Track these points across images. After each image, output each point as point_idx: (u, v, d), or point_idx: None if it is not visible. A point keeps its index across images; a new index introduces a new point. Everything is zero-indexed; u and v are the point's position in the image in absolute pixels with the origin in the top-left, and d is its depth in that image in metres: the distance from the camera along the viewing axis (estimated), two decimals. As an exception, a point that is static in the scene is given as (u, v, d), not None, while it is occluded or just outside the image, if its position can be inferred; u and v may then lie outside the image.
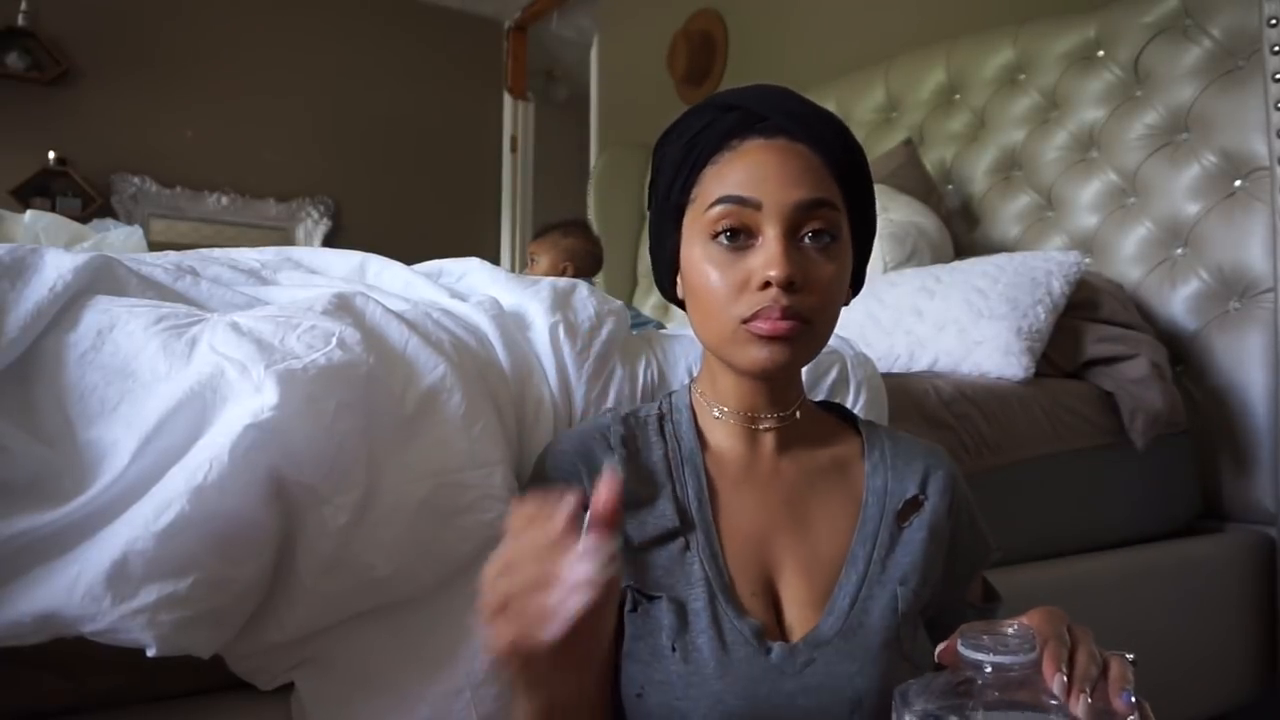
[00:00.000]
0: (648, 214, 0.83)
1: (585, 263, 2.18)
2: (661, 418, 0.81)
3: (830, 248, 0.72)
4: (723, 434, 0.80)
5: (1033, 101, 2.11)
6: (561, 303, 0.91)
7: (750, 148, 0.73)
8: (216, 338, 0.66)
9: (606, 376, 0.89)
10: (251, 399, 0.61)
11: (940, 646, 0.55)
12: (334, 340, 0.68)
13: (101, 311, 0.67)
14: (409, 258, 1.08)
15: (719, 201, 0.71)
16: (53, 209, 3.85)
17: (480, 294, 0.94)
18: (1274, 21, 1.53)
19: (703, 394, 0.82)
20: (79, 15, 4.22)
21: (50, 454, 0.60)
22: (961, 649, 0.51)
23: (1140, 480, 1.57)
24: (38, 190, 4.11)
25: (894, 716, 0.51)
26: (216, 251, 1.00)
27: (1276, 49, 1.53)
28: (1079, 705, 0.50)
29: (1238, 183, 1.69)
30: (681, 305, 0.81)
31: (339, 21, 4.84)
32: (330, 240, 4.79)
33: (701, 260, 0.73)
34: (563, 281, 0.96)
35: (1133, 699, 0.51)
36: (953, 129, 2.29)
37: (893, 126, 2.47)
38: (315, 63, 4.77)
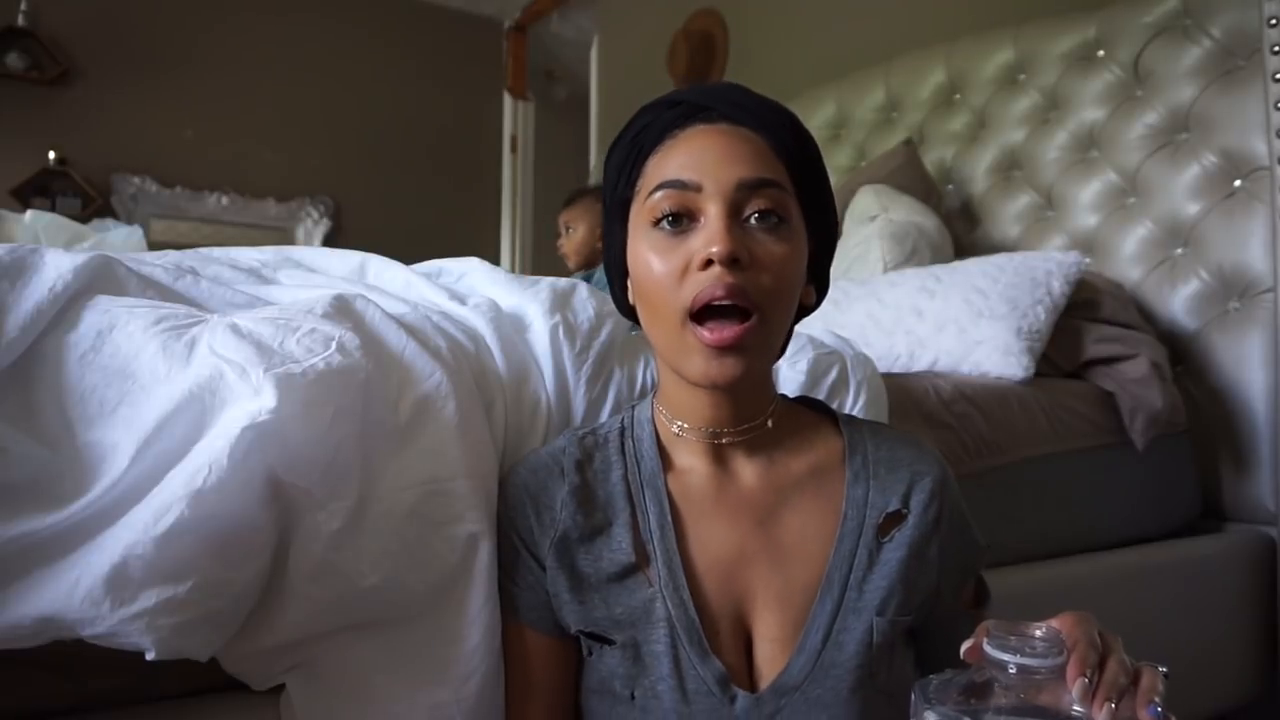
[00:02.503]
0: (602, 224, 0.79)
1: None
2: (623, 433, 0.76)
3: (779, 229, 0.67)
4: (685, 451, 0.74)
5: (1033, 101, 2.11)
6: (561, 304, 0.91)
7: (692, 133, 0.69)
8: (216, 339, 0.66)
9: (606, 378, 0.89)
10: (250, 401, 0.61)
11: (966, 645, 0.52)
12: (333, 344, 0.68)
13: (101, 312, 0.67)
14: (409, 258, 1.08)
15: (658, 188, 0.68)
16: (53, 209, 3.85)
17: (479, 295, 0.94)
18: (1274, 21, 1.53)
19: (662, 408, 0.75)
20: (79, 15, 4.22)
21: (50, 456, 0.60)
22: (987, 648, 0.50)
23: (1140, 480, 1.57)
24: (38, 190, 4.11)
25: (912, 712, 0.51)
26: (216, 251, 1.00)
27: (1276, 49, 1.53)
28: (1102, 714, 0.48)
29: (1238, 183, 1.69)
30: (635, 319, 0.76)
31: (339, 21, 4.84)
32: (330, 240, 4.79)
33: (643, 248, 0.69)
34: (562, 282, 0.96)
35: (1159, 710, 0.49)
36: (953, 129, 2.29)
37: (893, 126, 2.47)
38: (315, 63, 4.77)
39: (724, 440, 0.72)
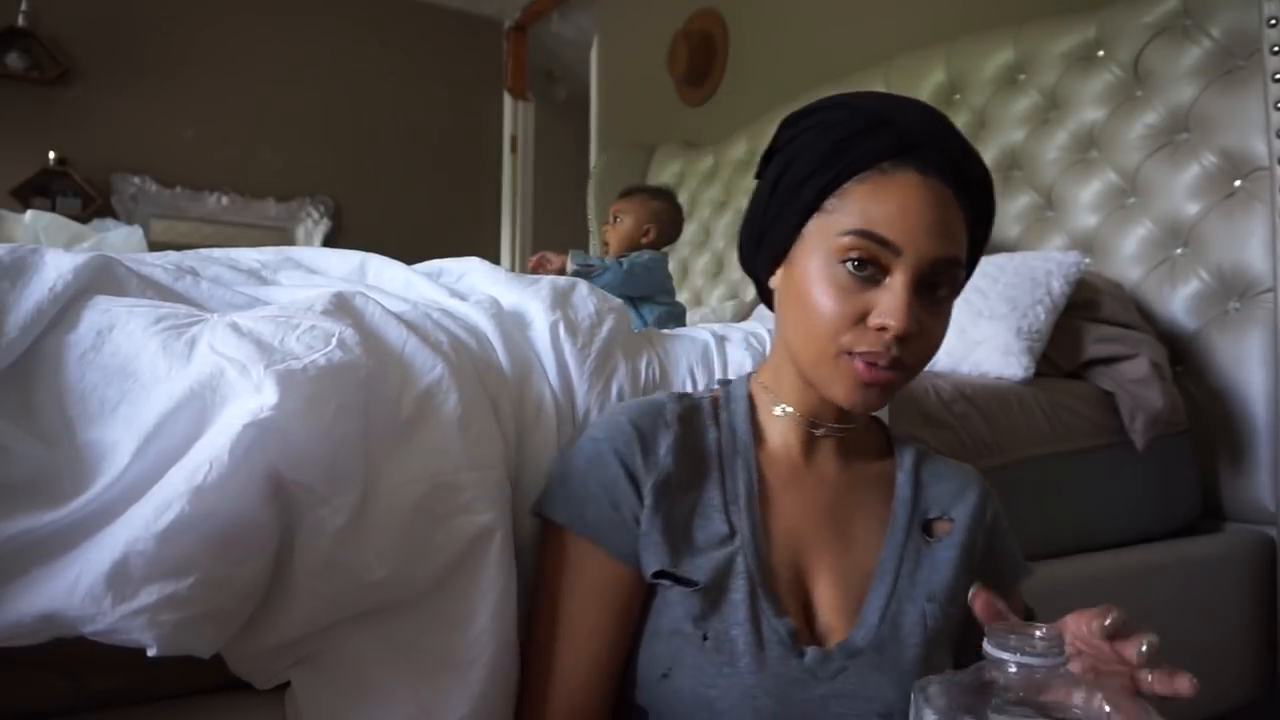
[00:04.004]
0: (760, 187, 0.79)
1: (668, 228, 2.09)
2: (716, 402, 0.81)
3: (945, 302, 0.72)
4: (779, 431, 0.79)
5: (1033, 101, 2.11)
6: (561, 301, 0.91)
7: (905, 181, 0.69)
8: (216, 338, 0.66)
9: (609, 372, 0.89)
10: (251, 399, 0.61)
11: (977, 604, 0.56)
12: (334, 341, 0.68)
13: (101, 311, 0.67)
14: (409, 258, 1.08)
15: (859, 234, 0.68)
16: (53, 209, 3.85)
17: (480, 293, 0.94)
18: (1274, 21, 1.53)
19: (765, 388, 0.81)
20: (79, 15, 4.22)
21: (50, 454, 0.60)
22: (987, 647, 0.50)
23: (1140, 480, 1.57)
24: (38, 190, 4.11)
25: (913, 712, 0.51)
26: (216, 251, 1.00)
27: (1276, 49, 1.53)
28: (1185, 681, 0.52)
29: (1238, 183, 1.69)
30: (764, 291, 0.80)
31: (339, 21, 4.84)
32: (330, 240, 4.79)
33: (821, 278, 0.70)
34: (562, 280, 0.96)
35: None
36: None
37: (893, 126, 2.46)
38: (315, 63, 4.77)
39: (819, 431, 0.79)
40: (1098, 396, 1.55)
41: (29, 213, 1.82)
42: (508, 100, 5.10)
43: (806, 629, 0.73)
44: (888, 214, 0.68)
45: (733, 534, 0.73)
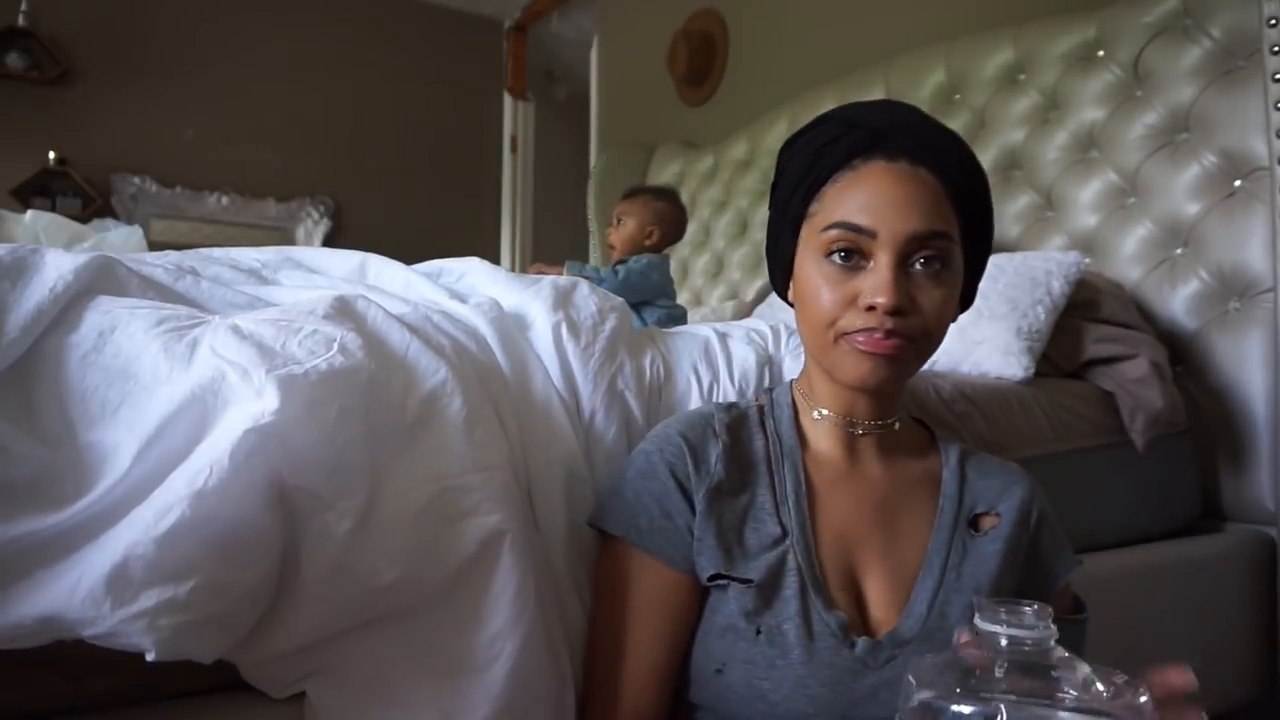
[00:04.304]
0: (769, 213, 0.85)
1: (672, 229, 2.08)
2: (762, 410, 0.85)
3: (940, 274, 0.74)
4: (822, 435, 0.82)
5: (1033, 101, 2.10)
6: (563, 301, 0.91)
7: (871, 170, 0.74)
8: (218, 341, 0.66)
9: (614, 371, 0.89)
10: (252, 403, 0.61)
11: (957, 631, 0.56)
12: (335, 345, 0.68)
13: (103, 313, 0.67)
14: (409, 258, 1.08)
15: (836, 226, 0.74)
16: (53, 209, 3.85)
17: (480, 295, 0.94)
18: (1274, 21, 1.53)
19: (804, 395, 0.84)
20: (79, 15, 4.22)
21: (51, 456, 0.60)
22: (978, 621, 0.51)
23: (1140, 480, 1.57)
24: (38, 190, 4.11)
25: (904, 696, 0.51)
26: (217, 251, 1.00)
27: (1276, 49, 1.53)
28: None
29: (1238, 183, 1.69)
30: (791, 304, 0.84)
31: (339, 21, 4.84)
32: (330, 240, 4.79)
33: (814, 275, 0.75)
34: (563, 280, 0.96)
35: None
36: (953, 129, 2.29)
37: (893, 126, 2.46)
38: (315, 63, 4.77)
39: (858, 431, 0.81)
40: (1098, 396, 1.55)
41: (29, 213, 1.82)
42: (508, 100, 5.10)
43: (859, 621, 0.75)
44: (858, 203, 0.73)
45: (784, 535, 0.77)
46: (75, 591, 0.55)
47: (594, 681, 0.77)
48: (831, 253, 0.74)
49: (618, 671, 0.76)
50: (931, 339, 0.75)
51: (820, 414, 0.82)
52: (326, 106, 4.78)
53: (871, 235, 0.72)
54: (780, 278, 0.84)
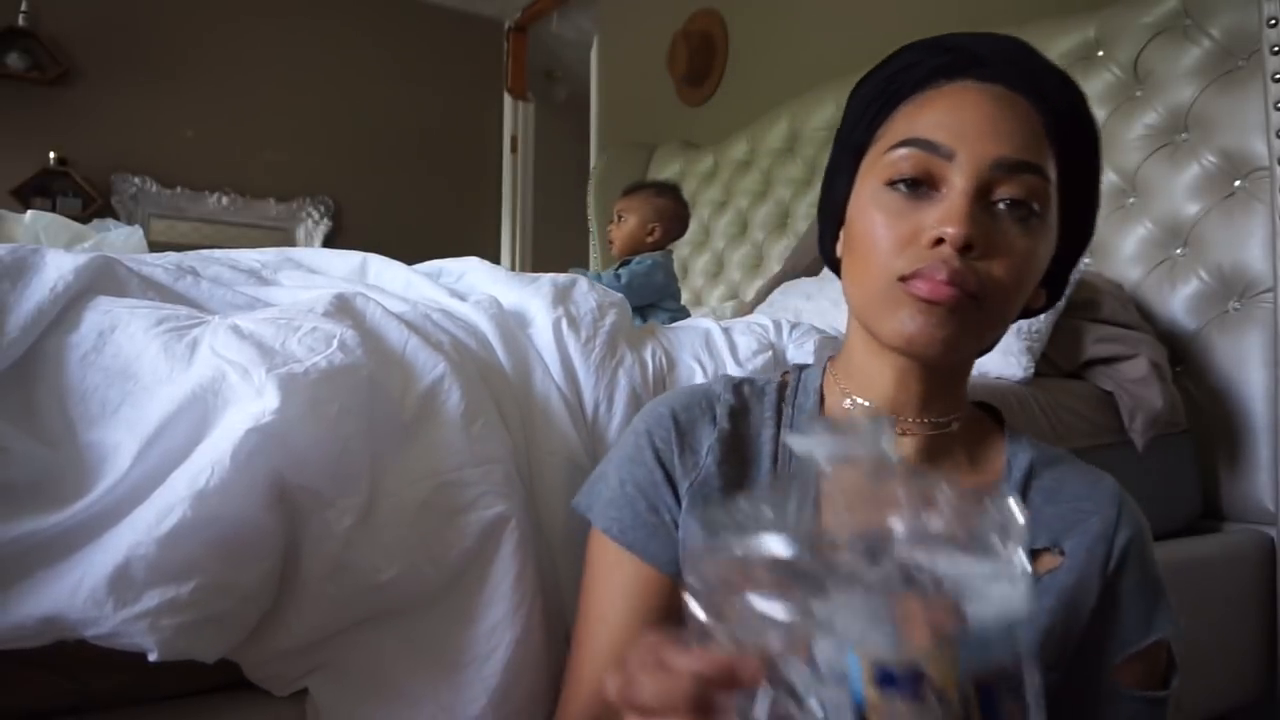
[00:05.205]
0: (828, 164, 0.71)
1: (673, 225, 2.04)
2: (782, 391, 0.70)
3: (1028, 222, 0.59)
4: None
5: (1033, 101, 2.10)
6: (562, 297, 0.91)
7: (958, 89, 0.61)
8: (218, 340, 0.66)
9: (616, 364, 0.89)
10: (253, 403, 0.61)
11: None
12: (335, 343, 0.68)
13: (103, 312, 0.67)
14: (409, 258, 1.08)
15: (904, 143, 0.60)
16: (53, 209, 3.85)
17: (480, 293, 0.94)
18: (1274, 21, 1.53)
19: (840, 380, 0.68)
20: (79, 15, 4.22)
21: (51, 456, 0.60)
22: (787, 439, 0.38)
23: (1140, 480, 1.56)
24: (38, 190, 4.11)
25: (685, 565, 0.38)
26: (217, 252, 1.00)
27: (1276, 49, 1.53)
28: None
29: (1238, 183, 1.69)
30: (837, 270, 0.68)
31: (339, 21, 4.84)
32: (330, 240, 4.79)
33: (870, 206, 0.61)
34: (562, 277, 0.97)
35: None
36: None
37: (893, 126, 2.46)
38: (315, 63, 4.77)
39: (899, 430, 0.64)
40: (1098, 396, 1.55)
41: (29, 213, 1.82)
42: (508, 100, 5.09)
43: None
44: (935, 119, 0.60)
45: None
46: (77, 592, 0.55)
47: (568, 673, 0.69)
48: (895, 180, 0.60)
49: (586, 665, 0.66)
50: (1004, 304, 0.59)
51: (854, 402, 0.66)
52: (326, 107, 4.78)
53: (947, 156, 0.58)
54: (830, 230, 0.68)
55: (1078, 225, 0.66)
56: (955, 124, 0.59)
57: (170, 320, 0.68)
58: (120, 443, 0.60)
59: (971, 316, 0.58)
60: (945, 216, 0.57)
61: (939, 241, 0.57)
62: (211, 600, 0.58)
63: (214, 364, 0.64)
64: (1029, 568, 0.35)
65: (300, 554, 0.64)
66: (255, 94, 4.61)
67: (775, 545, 0.34)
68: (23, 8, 4.08)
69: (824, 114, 2.63)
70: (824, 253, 0.72)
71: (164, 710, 0.70)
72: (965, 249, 0.57)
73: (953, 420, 0.65)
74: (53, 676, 0.66)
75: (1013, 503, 0.35)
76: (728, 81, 3.28)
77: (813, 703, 0.33)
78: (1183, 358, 1.74)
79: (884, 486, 0.36)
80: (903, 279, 0.58)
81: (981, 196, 0.58)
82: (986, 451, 0.68)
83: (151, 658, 0.58)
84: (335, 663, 0.69)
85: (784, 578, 0.34)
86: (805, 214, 2.53)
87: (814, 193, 2.48)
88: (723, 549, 0.35)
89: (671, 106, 3.52)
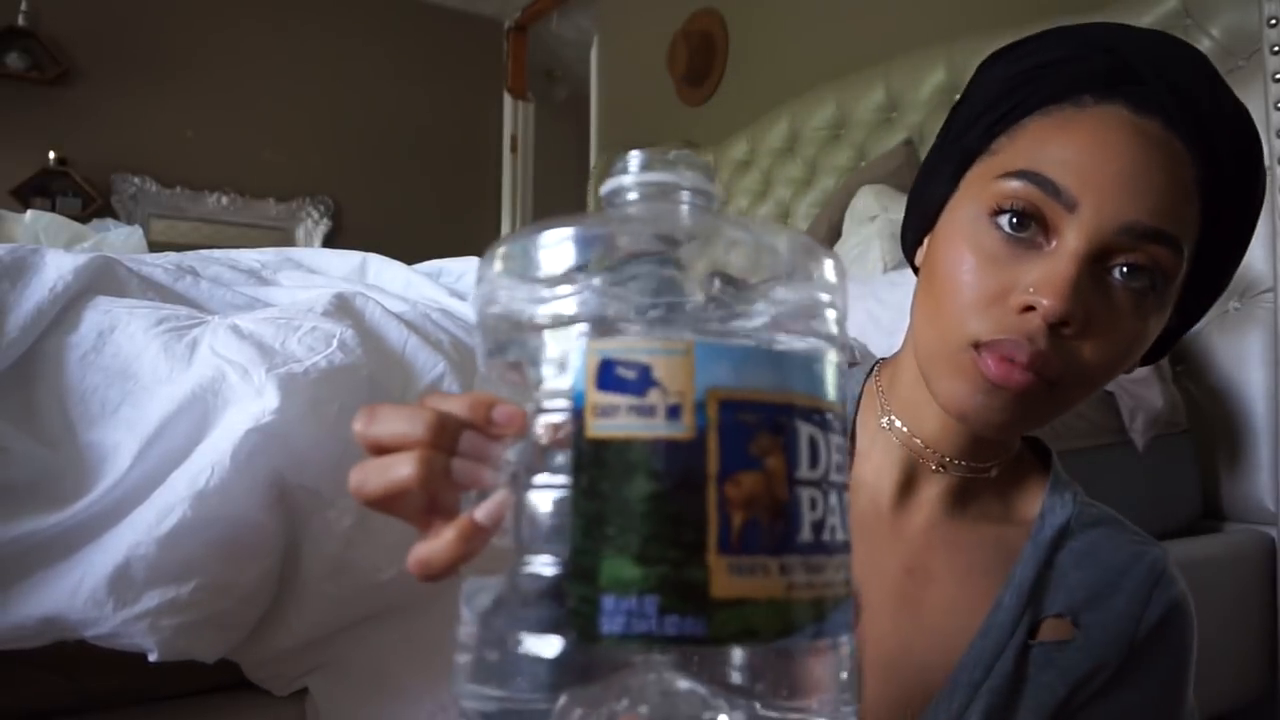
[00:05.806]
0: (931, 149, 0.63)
1: None
2: None
3: (1144, 298, 0.50)
4: (878, 451, 0.59)
5: (1033, 101, 2.10)
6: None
7: (1102, 115, 0.50)
8: (217, 340, 0.66)
9: None
10: (253, 403, 0.61)
11: None
12: (334, 343, 0.68)
13: (102, 312, 0.67)
14: (409, 258, 1.08)
15: (1022, 175, 0.50)
16: (53, 209, 3.84)
17: (480, 294, 0.94)
18: (1274, 21, 1.53)
19: (883, 390, 0.61)
20: (79, 15, 4.22)
21: (51, 455, 0.60)
22: (603, 191, 0.31)
23: (1140, 480, 1.56)
24: (38, 190, 4.11)
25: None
26: (217, 252, 1.00)
27: (1276, 49, 1.53)
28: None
29: (1238, 183, 1.69)
30: (914, 266, 0.61)
31: (339, 21, 4.84)
32: (330, 240, 4.79)
33: (963, 237, 0.52)
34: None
35: None
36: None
37: (892, 126, 2.46)
38: (315, 63, 4.77)
39: (931, 465, 0.58)
40: (1098, 396, 1.55)
41: (29, 213, 1.83)
42: (508, 100, 5.10)
43: None
44: (1067, 154, 0.49)
45: None
46: (77, 592, 0.55)
47: None
48: (1001, 211, 0.50)
49: None
50: (1084, 390, 0.52)
51: (890, 423, 0.59)
52: (326, 106, 4.79)
53: (1069, 206, 0.48)
54: (914, 231, 0.59)
55: (1203, 297, 0.56)
56: (1088, 167, 0.49)
57: (170, 320, 0.68)
58: (120, 443, 0.60)
59: (1042, 402, 0.51)
60: (1045, 282, 0.48)
61: (1029, 308, 0.49)
62: (212, 600, 0.58)
63: (214, 364, 0.64)
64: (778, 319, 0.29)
65: (300, 554, 0.64)
66: (255, 94, 4.61)
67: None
68: (23, 8, 4.08)
69: (824, 114, 2.63)
70: (904, 245, 0.63)
71: (164, 710, 0.70)
72: (1059, 325, 0.48)
73: (991, 468, 0.59)
74: (53, 676, 0.66)
75: (831, 265, 0.31)
76: (728, 81, 3.28)
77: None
78: (1183, 358, 1.74)
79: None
80: (977, 345, 0.50)
81: (1096, 261, 0.49)
82: (1023, 497, 0.62)
83: (152, 658, 0.58)
84: (335, 662, 0.69)
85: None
86: (805, 214, 2.53)
87: (814, 193, 2.49)
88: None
89: (671, 106, 3.52)
